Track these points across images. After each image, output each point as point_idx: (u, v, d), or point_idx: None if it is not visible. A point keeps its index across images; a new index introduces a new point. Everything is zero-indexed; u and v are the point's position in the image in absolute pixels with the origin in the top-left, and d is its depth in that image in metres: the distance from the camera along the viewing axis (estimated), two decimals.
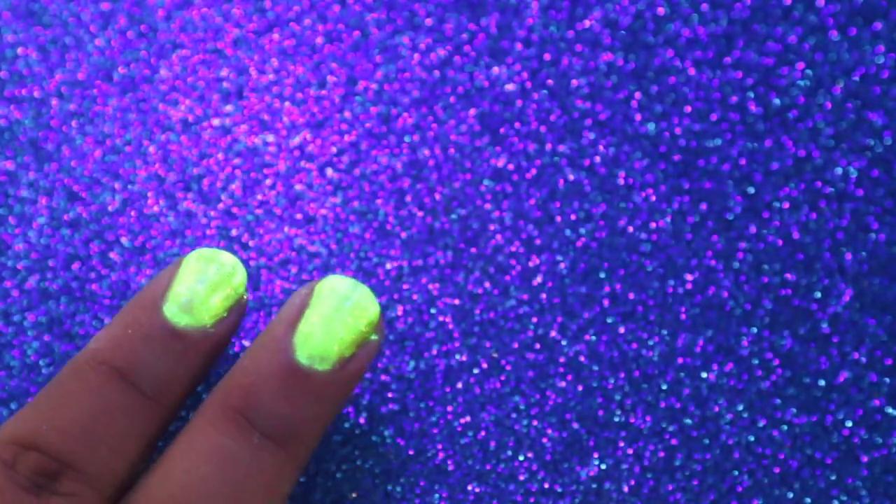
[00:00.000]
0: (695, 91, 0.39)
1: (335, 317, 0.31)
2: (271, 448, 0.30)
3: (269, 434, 0.30)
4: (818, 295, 0.37)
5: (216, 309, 0.31)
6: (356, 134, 0.38)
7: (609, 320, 0.37)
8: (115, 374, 0.30)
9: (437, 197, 0.38)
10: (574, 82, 0.39)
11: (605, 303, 0.37)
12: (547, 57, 0.39)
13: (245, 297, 0.32)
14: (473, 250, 0.37)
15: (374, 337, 0.31)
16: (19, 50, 0.39)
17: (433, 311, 0.37)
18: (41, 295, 0.37)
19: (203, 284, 0.31)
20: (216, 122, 0.38)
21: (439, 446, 0.36)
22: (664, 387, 0.37)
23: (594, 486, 0.36)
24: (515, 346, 0.37)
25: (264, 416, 0.30)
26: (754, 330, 0.37)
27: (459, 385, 0.36)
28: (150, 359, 0.30)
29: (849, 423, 0.36)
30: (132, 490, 0.30)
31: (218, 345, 0.31)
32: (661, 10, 0.39)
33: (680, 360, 0.37)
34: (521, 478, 0.36)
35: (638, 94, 0.39)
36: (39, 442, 0.29)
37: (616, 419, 0.36)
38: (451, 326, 0.37)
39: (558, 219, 0.38)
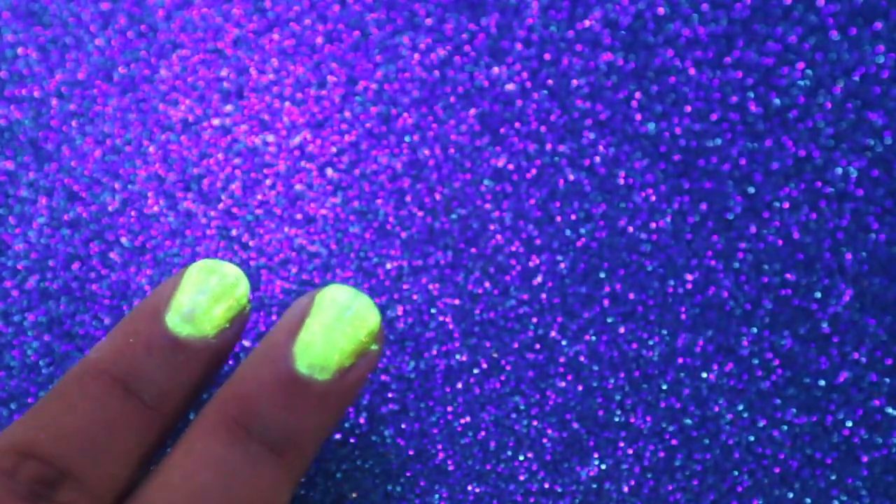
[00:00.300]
0: (695, 91, 0.39)
1: (335, 326, 0.31)
2: (270, 457, 0.30)
3: (268, 443, 0.30)
4: (818, 295, 0.37)
5: (218, 319, 0.31)
6: (356, 134, 0.38)
7: (609, 320, 0.37)
8: (116, 384, 0.30)
9: (437, 197, 0.38)
10: (574, 82, 0.39)
11: (605, 303, 0.37)
12: (547, 57, 0.39)
13: (248, 308, 0.32)
14: (473, 250, 0.37)
15: (374, 347, 0.31)
16: (19, 50, 0.39)
17: (433, 311, 0.37)
18: (41, 295, 0.37)
19: (205, 295, 0.31)
20: (216, 122, 0.38)
21: (439, 446, 0.36)
22: (664, 387, 0.37)
23: (594, 486, 0.36)
24: (515, 346, 0.37)
25: (263, 425, 0.30)
26: (754, 330, 0.37)
27: (459, 385, 0.36)
28: (151, 368, 0.30)
29: (849, 423, 0.36)
30: (130, 497, 0.30)
31: (219, 355, 0.31)
32: (661, 10, 0.39)
33: (680, 360, 0.37)
34: (521, 478, 0.36)
35: (638, 94, 0.39)
36: (38, 450, 0.29)
37: (616, 419, 0.36)
38: (451, 326, 0.37)
39: (558, 219, 0.38)
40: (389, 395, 0.36)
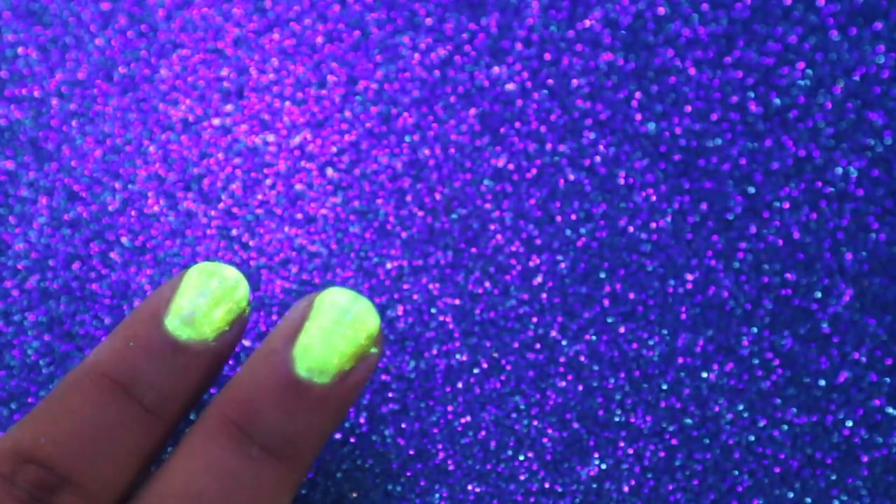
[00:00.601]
0: (695, 91, 0.39)
1: (335, 330, 0.31)
2: (270, 461, 0.30)
3: (268, 447, 0.30)
4: (818, 295, 0.37)
5: (218, 322, 0.31)
6: (356, 134, 0.38)
7: (609, 320, 0.37)
8: (115, 387, 0.30)
9: (437, 197, 0.38)
10: (574, 82, 0.39)
11: (606, 303, 0.37)
12: (547, 57, 0.39)
13: (248, 310, 0.32)
14: (473, 250, 0.37)
15: (373, 350, 0.31)
16: (19, 50, 0.39)
17: (433, 310, 0.37)
18: (41, 295, 0.37)
19: (205, 298, 0.31)
20: (216, 122, 0.38)
21: (439, 446, 0.36)
22: (664, 387, 0.37)
23: (594, 486, 0.36)
24: (515, 346, 0.37)
25: (263, 429, 0.30)
26: (755, 330, 0.37)
27: (459, 385, 0.36)
28: (150, 372, 0.30)
29: (849, 423, 0.36)
30: (129, 502, 0.30)
31: (220, 358, 0.31)
32: (661, 10, 0.39)
33: (680, 360, 0.37)
34: (522, 478, 0.36)
35: (638, 94, 0.39)
36: (38, 455, 0.29)
37: (616, 419, 0.36)
38: (451, 326, 0.37)
39: (558, 218, 0.38)
40: (389, 394, 0.36)
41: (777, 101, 0.39)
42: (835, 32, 0.39)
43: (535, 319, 0.37)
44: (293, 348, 0.31)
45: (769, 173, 0.38)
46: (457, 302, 0.37)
